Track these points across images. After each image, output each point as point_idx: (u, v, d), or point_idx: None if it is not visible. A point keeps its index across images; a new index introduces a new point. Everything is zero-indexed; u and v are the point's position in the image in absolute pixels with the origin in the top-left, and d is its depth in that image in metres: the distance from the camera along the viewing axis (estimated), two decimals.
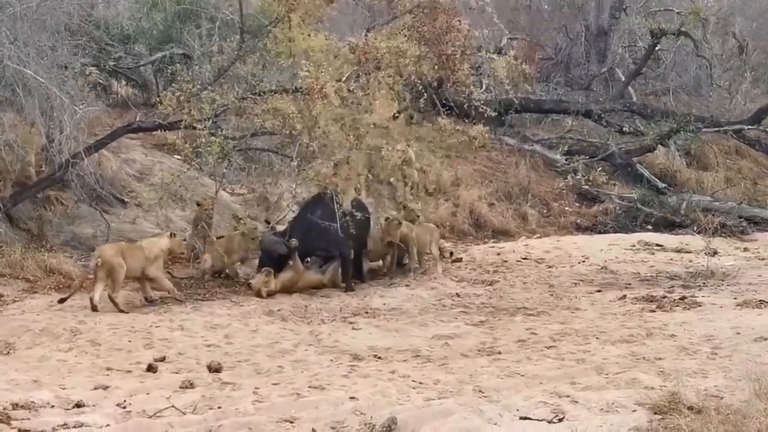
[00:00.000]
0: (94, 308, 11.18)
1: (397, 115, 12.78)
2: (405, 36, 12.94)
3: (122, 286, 11.66)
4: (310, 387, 8.21)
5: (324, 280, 13.02)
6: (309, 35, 12.69)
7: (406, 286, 13.22)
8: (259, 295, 12.34)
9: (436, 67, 13.10)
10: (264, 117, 12.59)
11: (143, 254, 11.79)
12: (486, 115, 13.52)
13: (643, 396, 7.55)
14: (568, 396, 7.80)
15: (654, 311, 11.49)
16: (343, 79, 12.48)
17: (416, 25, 13.06)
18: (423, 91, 13.26)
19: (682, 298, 12.11)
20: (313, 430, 7.06)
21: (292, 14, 12.65)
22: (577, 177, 18.84)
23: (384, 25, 13.93)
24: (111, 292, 11.37)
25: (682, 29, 22.59)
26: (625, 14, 25.43)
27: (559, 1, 26.88)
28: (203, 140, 12.71)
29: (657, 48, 23.86)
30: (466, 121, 14.57)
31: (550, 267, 14.78)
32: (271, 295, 12.36)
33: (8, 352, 9.34)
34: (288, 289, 12.59)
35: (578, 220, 18.83)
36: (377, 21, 14.06)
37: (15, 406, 7.44)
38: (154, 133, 14.62)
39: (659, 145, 21.06)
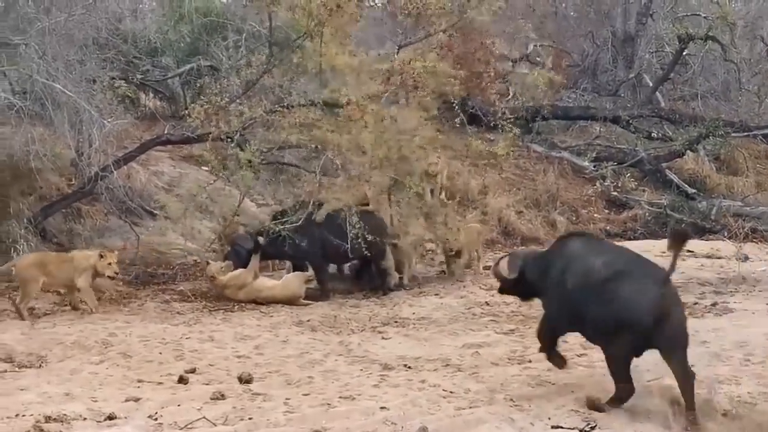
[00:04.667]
0: (19, 315, 11.38)
1: (425, 123, 12.78)
2: (437, 54, 12.96)
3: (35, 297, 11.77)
4: (340, 397, 8.21)
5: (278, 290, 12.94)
6: (337, 53, 12.69)
7: (435, 295, 13.20)
8: (211, 280, 12.77)
9: (465, 86, 13.11)
10: (290, 131, 12.63)
11: (72, 266, 11.83)
12: (513, 132, 13.53)
13: (676, 403, 7.50)
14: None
15: None
16: (382, 99, 12.49)
17: (448, 45, 13.08)
18: (453, 103, 13.27)
19: (714, 305, 12.03)
20: None
21: (324, 29, 12.64)
22: (606, 183, 18.80)
23: (416, 43, 13.90)
24: (19, 301, 11.44)
25: (710, 34, 22.42)
26: (651, 20, 25.28)
27: (585, 8, 26.79)
28: (231, 152, 12.78)
29: (684, 53, 23.69)
30: (492, 129, 14.59)
31: None
32: (218, 288, 12.73)
33: (40, 365, 9.39)
34: (237, 289, 12.71)
35: (607, 227, 18.72)
36: (408, 38, 14.03)
37: (48, 419, 7.48)
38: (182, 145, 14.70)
39: (688, 151, 20.91)
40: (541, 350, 8.69)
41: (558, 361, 8.63)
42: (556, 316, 8.35)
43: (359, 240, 12.42)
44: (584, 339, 10.10)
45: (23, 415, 7.59)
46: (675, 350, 7.58)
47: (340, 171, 13.27)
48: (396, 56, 13.43)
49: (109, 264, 11.88)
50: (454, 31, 13.49)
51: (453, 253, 14.16)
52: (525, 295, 9.05)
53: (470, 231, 14.54)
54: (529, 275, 8.58)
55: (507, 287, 9.00)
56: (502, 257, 9.44)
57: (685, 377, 7.55)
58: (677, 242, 7.96)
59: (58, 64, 12.46)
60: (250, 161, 12.66)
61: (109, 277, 12.05)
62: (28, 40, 12.38)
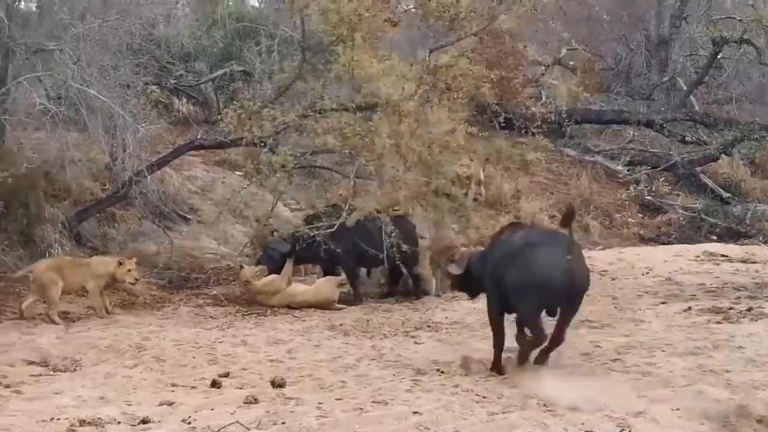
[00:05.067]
0: (20, 315, 11.41)
1: (456, 128, 12.75)
2: (468, 58, 12.93)
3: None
4: (373, 402, 8.18)
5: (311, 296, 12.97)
6: (368, 58, 12.67)
7: (468, 299, 13.14)
8: (246, 285, 12.81)
9: (497, 90, 13.06)
10: (323, 136, 12.63)
11: (88, 271, 11.84)
12: (544, 142, 13.53)
13: (711, 409, 7.44)
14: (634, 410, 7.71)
15: (720, 323, 11.30)
16: (416, 97, 12.47)
17: (479, 48, 13.02)
18: (486, 106, 13.24)
19: (749, 309, 11.90)
20: None
21: (354, 34, 12.63)
22: (640, 188, 18.72)
23: (448, 46, 13.87)
24: (48, 310, 11.46)
25: (745, 37, 22.24)
26: (685, 23, 25.15)
27: (618, 11, 26.69)
28: (264, 157, 12.81)
29: (719, 56, 23.55)
30: (524, 133, 14.56)
31: (613, 279, 14.60)
32: (252, 293, 12.79)
33: (75, 369, 9.44)
34: (271, 294, 12.76)
35: (641, 231, 18.64)
36: (440, 41, 14.01)
37: (82, 422, 7.50)
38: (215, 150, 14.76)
39: (723, 154, 20.81)
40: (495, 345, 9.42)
41: (500, 367, 9.32)
42: (492, 298, 9.30)
43: (392, 246, 12.42)
44: (619, 344, 10.14)
45: (58, 419, 7.62)
46: (571, 309, 8.93)
47: (373, 175, 13.26)
48: (428, 59, 13.40)
49: (129, 271, 11.88)
50: (485, 34, 13.43)
51: None
52: (473, 291, 9.97)
53: None
54: (473, 271, 9.52)
55: (456, 283, 10.12)
56: (453, 258, 10.49)
57: (560, 335, 8.93)
58: (567, 219, 9.10)
59: (93, 70, 12.55)
60: (283, 165, 12.68)
61: (129, 284, 12.11)
62: (63, 45, 12.48)
